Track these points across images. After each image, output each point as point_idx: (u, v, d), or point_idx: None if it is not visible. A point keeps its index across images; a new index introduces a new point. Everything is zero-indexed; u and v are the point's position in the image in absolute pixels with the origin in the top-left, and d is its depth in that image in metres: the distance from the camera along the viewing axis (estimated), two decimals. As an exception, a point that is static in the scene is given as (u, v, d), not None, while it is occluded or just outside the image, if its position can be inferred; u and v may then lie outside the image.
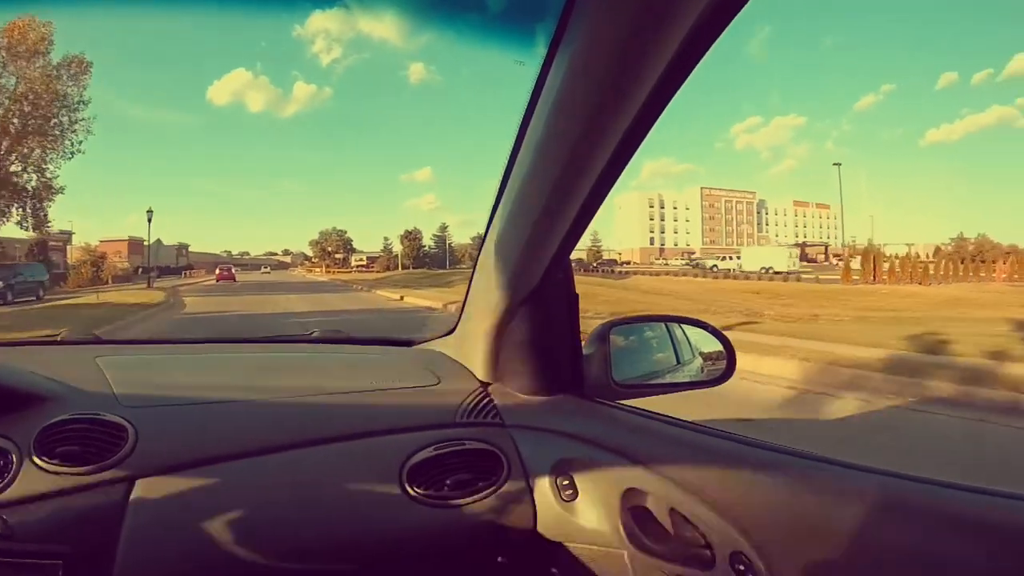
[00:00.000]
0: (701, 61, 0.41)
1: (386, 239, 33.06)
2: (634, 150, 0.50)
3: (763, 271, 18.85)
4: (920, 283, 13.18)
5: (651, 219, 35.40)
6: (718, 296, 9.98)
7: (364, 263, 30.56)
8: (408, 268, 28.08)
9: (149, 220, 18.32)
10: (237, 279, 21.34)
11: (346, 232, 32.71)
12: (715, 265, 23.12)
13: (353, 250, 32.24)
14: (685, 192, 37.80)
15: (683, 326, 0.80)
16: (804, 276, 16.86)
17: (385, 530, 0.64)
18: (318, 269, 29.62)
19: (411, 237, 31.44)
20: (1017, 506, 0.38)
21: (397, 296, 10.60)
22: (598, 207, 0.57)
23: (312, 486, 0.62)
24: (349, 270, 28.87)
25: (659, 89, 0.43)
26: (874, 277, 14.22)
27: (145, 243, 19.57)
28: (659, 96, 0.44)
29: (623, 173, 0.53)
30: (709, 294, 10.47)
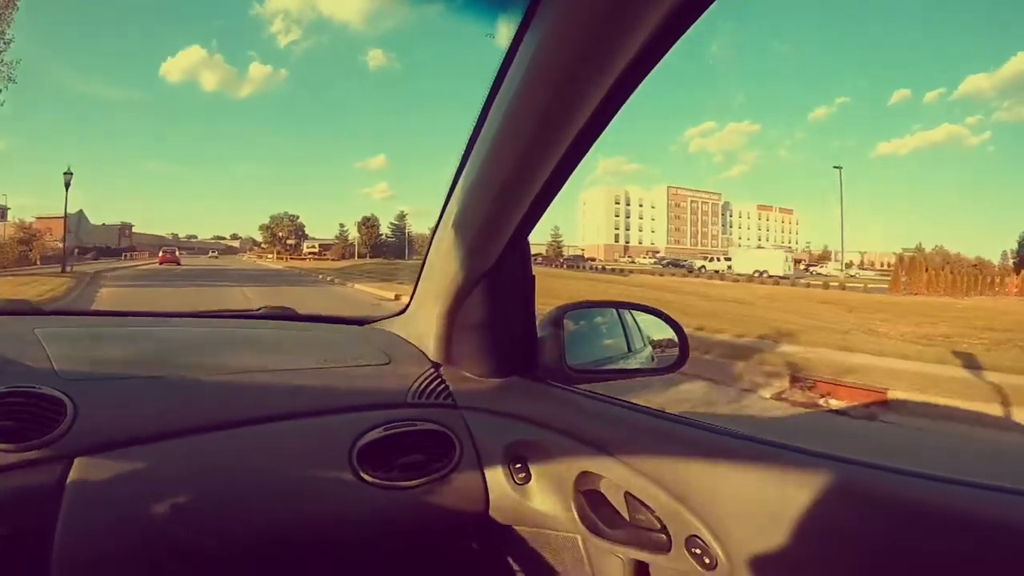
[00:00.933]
0: (665, 57, 0.44)
1: (342, 226, 32.20)
2: (594, 139, 0.52)
3: (757, 275, 18.56)
4: (951, 295, 12.41)
5: (616, 216, 35.71)
6: (788, 303, 9.22)
7: (316, 250, 29.72)
8: (365, 257, 27.56)
9: (67, 185, 14.23)
10: (182, 263, 20.14)
11: (298, 217, 31.51)
12: (703, 266, 23.05)
13: (305, 236, 31.23)
14: (652, 190, 38.39)
15: (634, 313, 0.83)
16: (804, 282, 16.14)
17: (333, 512, 0.64)
18: (270, 255, 28.43)
19: (369, 224, 30.81)
20: (973, 494, 0.40)
21: (390, 295, 8.38)
22: (556, 192, 0.59)
23: (258, 466, 0.61)
24: (302, 257, 27.82)
25: (620, 82, 0.45)
26: (910, 288, 13.46)
27: (70, 217, 16.77)
28: (620, 90, 0.46)
29: (581, 163, 0.55)
30: (768, 301, 9.63)
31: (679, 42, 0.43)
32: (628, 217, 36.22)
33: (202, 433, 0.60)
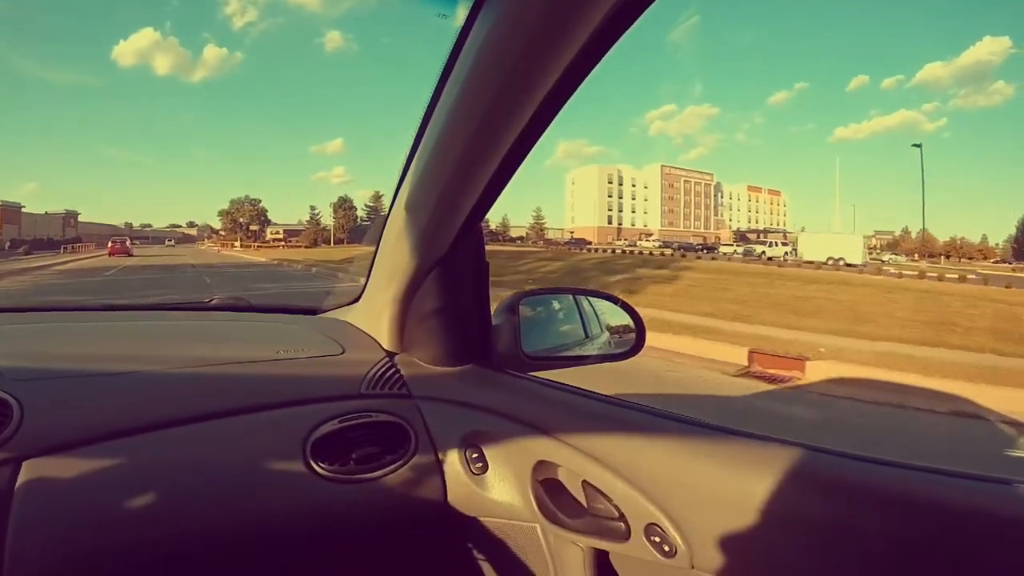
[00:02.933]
0: (623, 39, 0.45)
1: (313, 208, 31.44)
2: (548, 122, 0.54)
3: (831, 262, 17.35)
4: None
5: (609, 196, 35.42)
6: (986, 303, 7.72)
7: (280, 236, 29.05)
8: (343, 243, 26.79)
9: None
10: (134, 254, 19.03)
11: (260, 201, 30.59)
12: (763, 252, 21.74)
13: (268, 221, 30.42)
14: (644, 169, 38.44)
15: (591, 299, 0.86)
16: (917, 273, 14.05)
17: (290, 507, 0.65)
18: (236, 244, 27.41)
19: (346, 207, 30.12)
20: (923, 478, 0.44)
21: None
22: (509, 177, 0.61)
23: (212, 462, 0.62)
24: (276, 245, 26.90)
25: (575, 65, 0.47)
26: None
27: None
28: (574, 73, 0.48)
29: (540, 146, 0.56)
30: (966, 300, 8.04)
31: (640, 24, 0.45)
32: (621, 198, 36.04)
33: (154, 430, 0.61)
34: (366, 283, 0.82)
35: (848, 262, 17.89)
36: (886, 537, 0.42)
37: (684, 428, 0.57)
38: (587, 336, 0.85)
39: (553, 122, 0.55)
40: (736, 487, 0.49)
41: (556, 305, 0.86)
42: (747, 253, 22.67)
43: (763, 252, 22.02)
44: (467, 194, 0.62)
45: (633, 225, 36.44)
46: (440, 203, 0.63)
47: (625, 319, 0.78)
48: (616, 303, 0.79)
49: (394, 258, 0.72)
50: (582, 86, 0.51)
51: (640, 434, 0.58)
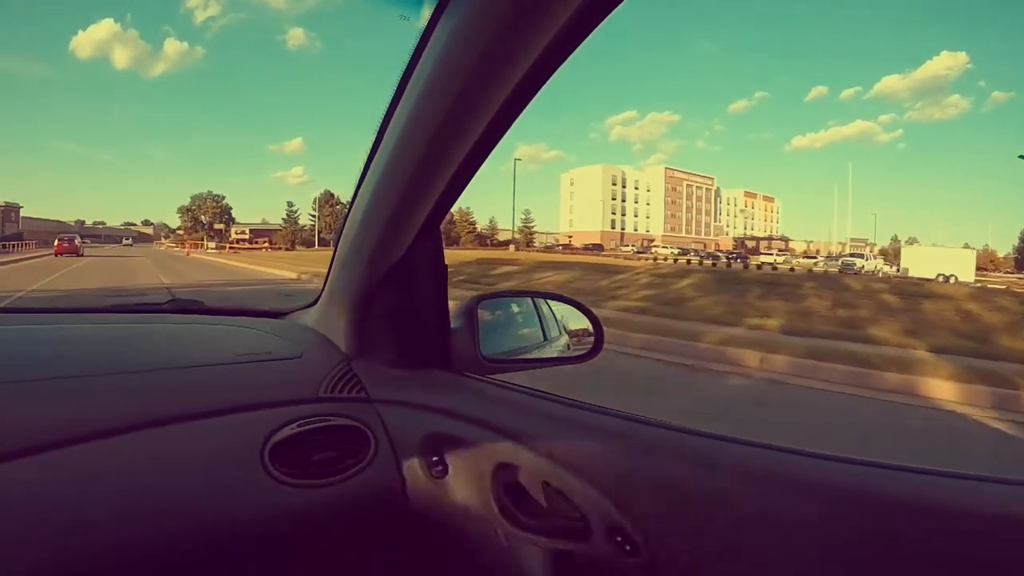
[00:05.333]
0: (581, 46, 0.49)
1: (290, 204, 31.11)
2: (508, 126, 0.57)
3: (940, 278, 16.64)
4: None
5: (613, 199, 35.46)
6: None
7: (246, 236, 28.49)
8: (329, 244, 26.10)
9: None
10: (84, 254, 17.70)
11: (224, 198, 30.01)
12: (862, 266, 20.95)
13: (233, 220, 29.74)
14: (645, 171, 39.08)
15: (549, 302, 0.90)
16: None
17: (248, 514, 0.66)
18: (208, 245, 26.22)
19: (333, 203, 30.03)
20: (877, 474, 0.47)
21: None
22: (469, 179, 0.64)
23: (166, 471, 0.63)
24: (259, 246, 26.07)
25: (535, 69, 0.50)
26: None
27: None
28: (535, 77, 0.51)
29: (499, 149, 0.59)
30: None
31: (602, 29, 0.48)
32: (624, 200, 35.98)
33: (102, 438, 0.61)
34: (324, 285, 0.85)
35: (961, 279, 17.09)
36: (847, 532, 0.46)
37: (644, 429, 0.60)
38: (546, 339, 0.90)
39: (513, 125, 0.59)
40: (696, 486, 0.53)
41: (515, 308, 0.90)
42: (846, 267, 21.39)
43: (863, 266, 21.06)
44: (426, 196, 0.65)
45: (636, 230, 36.39)
46: (399, 205, 0.67)
47: (584, 322, 0.83)
48: (575, 306, 0.84)
49: (353, 261, 0.75)
50: (542, 90, 0.54)
51: (600, 435, 0.61)
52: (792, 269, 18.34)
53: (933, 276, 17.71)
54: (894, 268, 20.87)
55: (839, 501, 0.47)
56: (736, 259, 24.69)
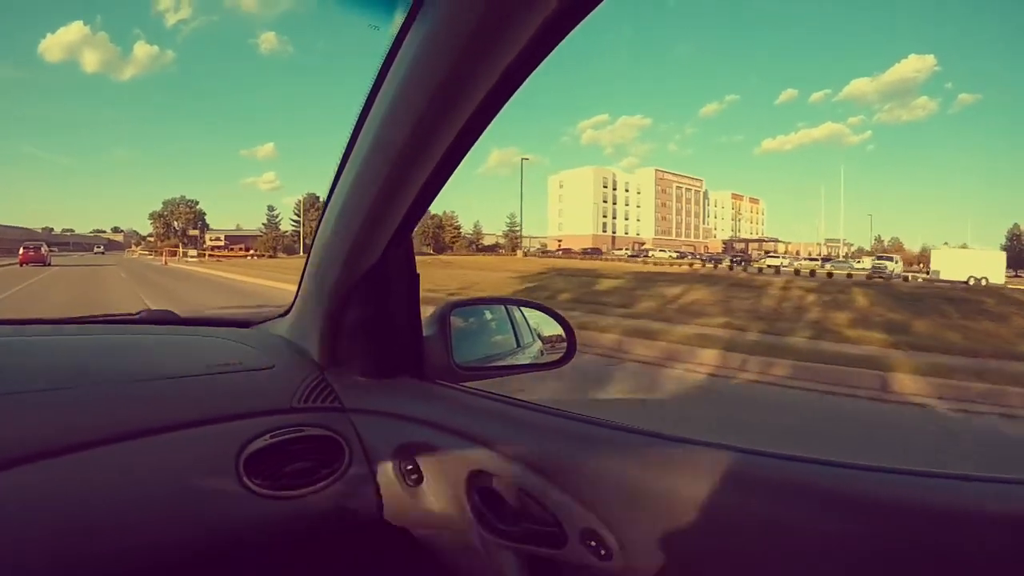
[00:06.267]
0: (558, 49, 0.50)
1: (271, 209, 30.68)
2: (480, 132, 0.59)
3: (971, 281, 16.42)
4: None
5: (604, 201, 35.49)
6: None
7: (222, 243, 28.14)
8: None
9: None
10: (52, 263, 16.92)
11: (198, 203, 29.55)
12: (893, 269, 20.72)
13: (207, 226, 29.41)
14: (635, 173, 39.43)
15: (522, 309, 0.92)
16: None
17: (223, 526, 0.67)
18: (188, 252, 25.55)
19: (316, 207, 29.54)
20: (855, 475, 0.49)
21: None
22: (441, 186, 0.66)
23: (139, 483, 0.63)
24: (245, 253, 25.59)
25: (507, 75, 0.51)
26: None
27: None
28: (507, 82, 0.52)
29: (472, 154, 0.61)
30: None
31: (575, 34, 0.50)
32: (615, 203, 36.13)
33: (73, 453, 0.61)
34: (297, 294, 0.86)
35: (992, 281, 16.90)
36: (820, 533, 0.48)
37: (616, 434, 0.62)
38: (519, 346, 0.92)
39: (486, 130, 0.60)
40: (666, 488, 0.54)
41: (488, 315, 0.92)
42: (877, 271, 21.26)
43: (893, 270, 21.03)
44: (397, 204, 0.67)
45: (626, 233, 36.53)
46: (371, 213, 0.68)
47: (557, 329, 0.85)
48: (548, 313, 0.86)
49: (325, 269, 0.76)
50: (515, 95, 0.56)
51: (573, 441, 0.62)
52: (820, 273, 17.73)
53: (964, 279, 17.64)
54: (924, 271, 21.14)
55: (812, 502, 0.49)
56: (739, 262, 24.78)
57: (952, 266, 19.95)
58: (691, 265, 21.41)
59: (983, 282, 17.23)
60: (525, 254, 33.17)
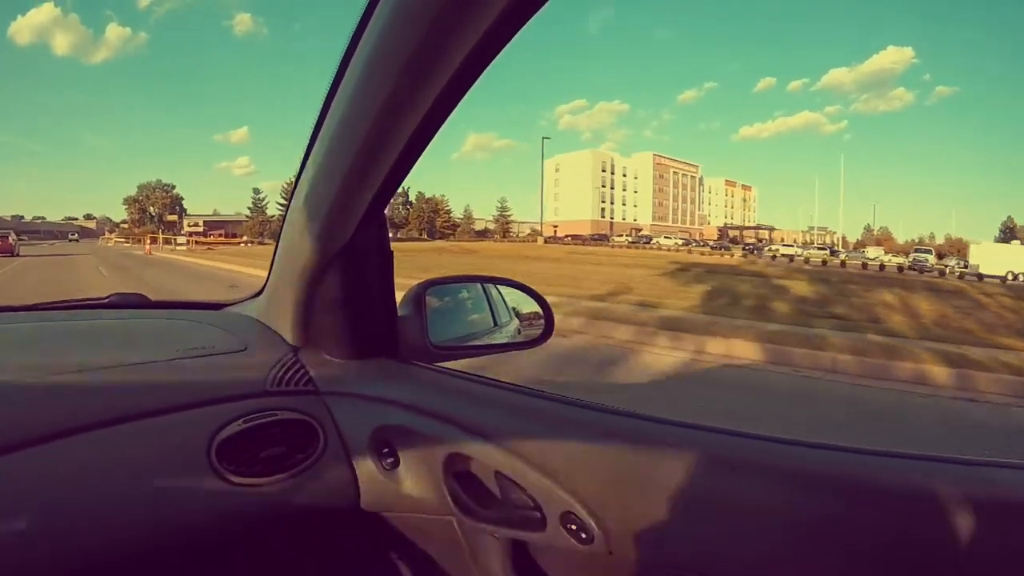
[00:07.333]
0: (527, 24, 0.50)
1: (257, 192, 30.13)
2: (450, 109, 0.59)
3: (1011, 277, 16.62)
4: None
5: (603, 186, 35.49)
6: None
7: (200, 229, 27.36)
8: None
9: None
10: (20, 253, 16.27)
11: (174, 187, 28.78)
12: (933, 263, 20.86)
13: (185, 212, 28.48)
14: (633, 157, 39.48)
15: (499, 287, 0.92)
16: None
17: (196, 513, 0.67)
18: (176, 239, 24.81)
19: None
20: (831, 456, 0.50)
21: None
22: (412, 165, 0.66)
23: (109, 474, 0.63)
24: (238, 241, 25.08)
25: (480, 50, 0.51)
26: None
27: None
28: (479, 56, 0.52)
29: (448, 138, 0.74)
30: None
31: (551, 18, 0.56)
32: (613, 188, 36.22)
33: (41, 444, 0.61)
34: (268, 275, 0.86)
35: None
36: (798, 514, 0.49)
37: (594, 415, 0.62)
38: (496, 324, 0.92)
39: (461, 114, 0.60)
40: (646, 471, 0.55)
41: (464, 294, 0.92)
42: (917, 264, 21.51)
43: (933, 263, 21.30)
44: (368, 181, 0.67)
45: (624, 219, 36.46)
46: (341, 191, 0.68)
47: (534, 307, 0.85)
48: (524, 291, 0.86)
49: (296, 249, 0.76)
50: (492, 77, 0.55)
51: (550, 422, 0.63)
52: (844, 263, 17.75)
53: (1003, 273, 18.11)
54: (961, 265, 21.39)
55: (793, 484, 0.50)
56: (752, 250, 24.67)
57: (990, 261, 20.58)
58: (715, 252, 21.13)
59: (1020, 278, 17.79)
60: (545, 240, 32.98)
